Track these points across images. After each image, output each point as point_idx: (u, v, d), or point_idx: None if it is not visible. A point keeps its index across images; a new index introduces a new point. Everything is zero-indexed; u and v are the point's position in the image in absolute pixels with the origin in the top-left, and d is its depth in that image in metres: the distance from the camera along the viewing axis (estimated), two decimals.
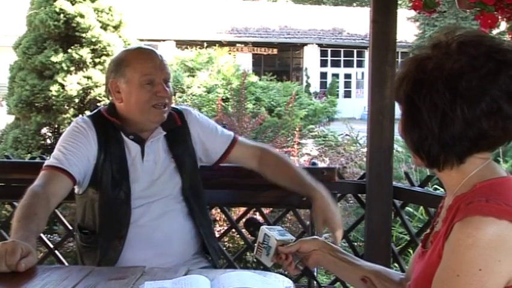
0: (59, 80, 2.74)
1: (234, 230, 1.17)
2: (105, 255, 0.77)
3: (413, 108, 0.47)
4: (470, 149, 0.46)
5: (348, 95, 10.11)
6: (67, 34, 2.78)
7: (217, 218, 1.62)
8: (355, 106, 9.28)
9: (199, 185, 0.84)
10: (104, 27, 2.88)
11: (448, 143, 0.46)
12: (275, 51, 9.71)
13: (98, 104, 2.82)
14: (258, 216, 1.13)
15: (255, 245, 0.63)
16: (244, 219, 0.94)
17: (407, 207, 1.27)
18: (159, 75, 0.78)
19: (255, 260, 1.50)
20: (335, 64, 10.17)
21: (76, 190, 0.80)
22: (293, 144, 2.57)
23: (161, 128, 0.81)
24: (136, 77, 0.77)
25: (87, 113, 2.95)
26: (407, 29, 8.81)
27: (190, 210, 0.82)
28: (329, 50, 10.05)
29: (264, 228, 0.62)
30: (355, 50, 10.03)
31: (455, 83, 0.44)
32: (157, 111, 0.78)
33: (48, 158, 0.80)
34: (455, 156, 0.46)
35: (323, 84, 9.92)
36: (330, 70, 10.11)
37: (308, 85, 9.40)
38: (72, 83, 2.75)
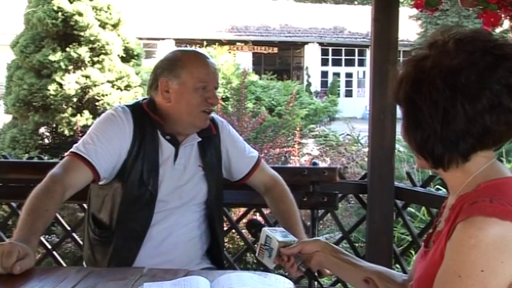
0: (57, 79, 2.73)
1: (234, 230, 1.16)
2: (119, 254, 0.75)
3: (414, 109, 0.46)
4: (474, 146, 0.46)
5: (349, 94, 10.08)
6: (65, 32, 2.77)
7: None
8: (356, 105, 9.25)
9: (222, 193, 0.84)
10: (103, 25, 2.87)
11: (451, 141, 0.45)
12: (275, 50, 9.70)
13: (96, 104, 2.80)
14: (258, 217, 1.12)
15: (256, 245, 0.63)
16: (245, 220, 0.93)
17: (409, 208, 1.27)
18: (212, 82, 0.78)
19: (255, 260, 1.50)
20: (336, 63, 10.13)
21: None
22: (294, 144, 2.57)
23: (196, 134, 0.79)
24: (191, 81, 0.76)
25: (86, 112, 2.97)
26: (409, 27, 8.76)
27: (210, 219, 0.81)
28: (330, 48, 10.02)
29: (266, 230, 0.61)
30: (356, 49, 10.00)
31: (455, 80, 0.44)
32: (205, 116, 0.77)
33: (46, 157, 0.79)
34: (460, 154, 0.46)
35: (324, 83, 9.88)
36: (331, 69, 10.08)
37: (309, 84, 9.38)
38: (70, 82, 2.75)
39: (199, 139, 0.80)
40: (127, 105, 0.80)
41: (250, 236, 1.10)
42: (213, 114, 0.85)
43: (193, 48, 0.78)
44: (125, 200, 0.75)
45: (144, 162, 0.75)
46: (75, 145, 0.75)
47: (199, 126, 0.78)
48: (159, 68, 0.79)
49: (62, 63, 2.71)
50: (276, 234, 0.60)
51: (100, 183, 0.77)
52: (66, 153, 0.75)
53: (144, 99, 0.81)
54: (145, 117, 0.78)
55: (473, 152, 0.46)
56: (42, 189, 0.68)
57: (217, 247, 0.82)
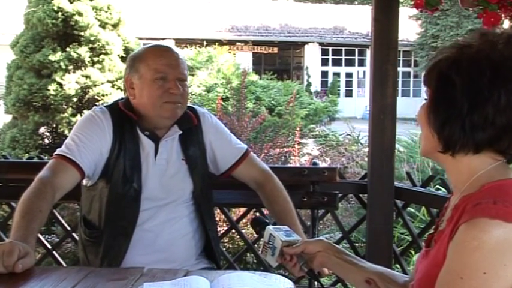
0: (57, 79, 2.72)
1: (234, 230, 1.16)
2: (109, 252, 0.76)
3: (446, 84, 0.45)
4: (490, 140, 0.45)
5: (349, 94, 10.09)
6: (65, 32, 2.77)
7: (217, 219, 1.62)
8: (356, 105, 9.28)
9: (209, 187, 0.83)
10: (103, 25, 2.86)
11: (472, 125, 0.44)
12: (275, 49, 9.71)
13: (97, 104, 2.80)
14: None
15: (260, 243, 0.62)
16: (245, 220, 0.93)
17: (409, 208, 1.26)
18: (172, 72, 0.77)
19: (255, 260, 1.50)
20: (336, 63, 10.14)
21: (84, 182, 0.79)
22: (294, 144, 2.57)
23: (177, 126, 0.79)
24: (149, 74, 0.76)
25: (86, 112, 2.96)
26: (409, 27, 8.74)
27: (200, 214, 0.81)
28: (330, 48, 10.03)
29: (270, 229, 0.61)
30: (356, 49, 10.01)
31: (498, 66, 0.44)
32: (169, 106, 0.76)
33: (46, 157, 0.80)
34: (474, 143, 0.45)
35: (324, 83, 9.89)
36: (331, 69, 10.09)
37: (309, 84, 9.39)
38: (71, 82, 2.74)
39: (180, 132, 0.79)
40: (105, 106, 0.81)
41: (250, 235, 1.08)
42: (194, 105, 0.84)
43: (158, 42, 0.77)
44: (111, 198, 0.76)
45: (125, 159, 0.76)
46: (58, 149, 0.76)
47: (168, 117, 0.77)
48: (125, 67, 0.80)
49: (62, 63, 2.70)
50: (280, 233, 0.60)
51: (87, 184, 0.78)
52: (51, 157, 0.76)
53: (121, 99, 0.82)
54: (123, 116, 0.78)
55: (486, 147, 0.45)
56: (33, 191, 0.68)
57: (209, 244, 0.81)
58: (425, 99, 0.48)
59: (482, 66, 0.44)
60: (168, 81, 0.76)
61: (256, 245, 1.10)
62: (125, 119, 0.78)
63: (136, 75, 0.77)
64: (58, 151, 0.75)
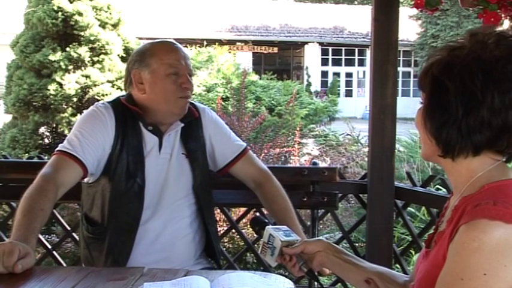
0: (57, 78, 2.72)
1: (234, 230, 1.16)
2: (113, 248, 0.75)
3: (440, 89, 0.45)
4: (489, 141, 0.45)
5: (349, 94, 10.11)
6: (65, 32, 2.77)
7: (218, 219, 1.62)
8: (356, 105, 9.30)
9: (209, 182, 0.83)
10: (103, 25, 2.86)
11: (468, 129, 0.44)
12: (275, 49, 9.71)
13: None
14: None
15: (259, 243, 0.62)
16: (245, 220, 0.92)
17: (409, 208, 1.26)
18: (183, 67, 0.78)
19: (255, 260, 1.50)
20: (336, 63, 10.15)
21: (86, 180, 0.78)
22: (294, 144, 2.57)
23: (179, 120, 0.80)
24: (162, 68, 0.76)
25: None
26: (409, 27, 8.74)
27: (201, 213, 0.81)
28: (330, 48, 10.04)
29: (269, 229, 0.61)
30: (356, 49, 10.02)
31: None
32: (182, 101, 0.77)
33: (46, 157, 0.79)
34: (472, 145, 0.45)
35: (324, 83, 9.91)
36: (331, 69, 10.11)
37: (309, 84, 9.39)
38: (71, 82, 2.73)
39: (182, 125, 0.80)
40: (108, 102, 0.80)
41: (250, 235, 1.08)
42: (194, 102, 0.85)
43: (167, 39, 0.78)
44: (114, 194, 0.75)
45: (128, 154, 0.76)
46: (60, 144, 0.75)
47: (178, 113, 0.78)
48: (130, 62, 0.80)
49: (62, 63, 2.70)
50: (279, 233, 0.60)
51: (89, 181, 0.78)
52: (53, 153, 0.75)
53: (123, 95, 0.82)
54: (126, 111, 0.78)
55: (485, 148, 0.45)
56: (36, 189, 0.68)
57: (210, 243, 0.81)
58: (421, 103, 0.48)
59: (474, 70, 0.44)
60: (180, 76, 0.77)
61: (256, 245, 1.10)
62: (128, 114, 0.77)
63: (147, 70, 0.77)
64: (60, 147, 0.74)
